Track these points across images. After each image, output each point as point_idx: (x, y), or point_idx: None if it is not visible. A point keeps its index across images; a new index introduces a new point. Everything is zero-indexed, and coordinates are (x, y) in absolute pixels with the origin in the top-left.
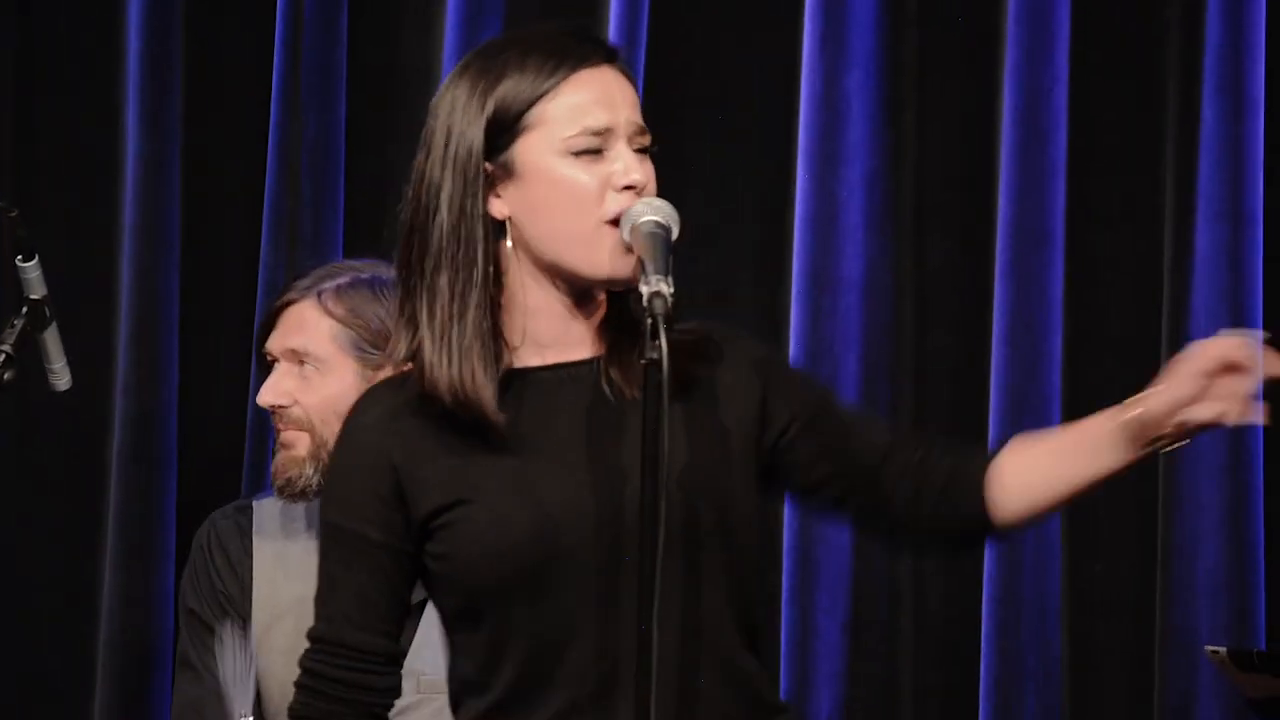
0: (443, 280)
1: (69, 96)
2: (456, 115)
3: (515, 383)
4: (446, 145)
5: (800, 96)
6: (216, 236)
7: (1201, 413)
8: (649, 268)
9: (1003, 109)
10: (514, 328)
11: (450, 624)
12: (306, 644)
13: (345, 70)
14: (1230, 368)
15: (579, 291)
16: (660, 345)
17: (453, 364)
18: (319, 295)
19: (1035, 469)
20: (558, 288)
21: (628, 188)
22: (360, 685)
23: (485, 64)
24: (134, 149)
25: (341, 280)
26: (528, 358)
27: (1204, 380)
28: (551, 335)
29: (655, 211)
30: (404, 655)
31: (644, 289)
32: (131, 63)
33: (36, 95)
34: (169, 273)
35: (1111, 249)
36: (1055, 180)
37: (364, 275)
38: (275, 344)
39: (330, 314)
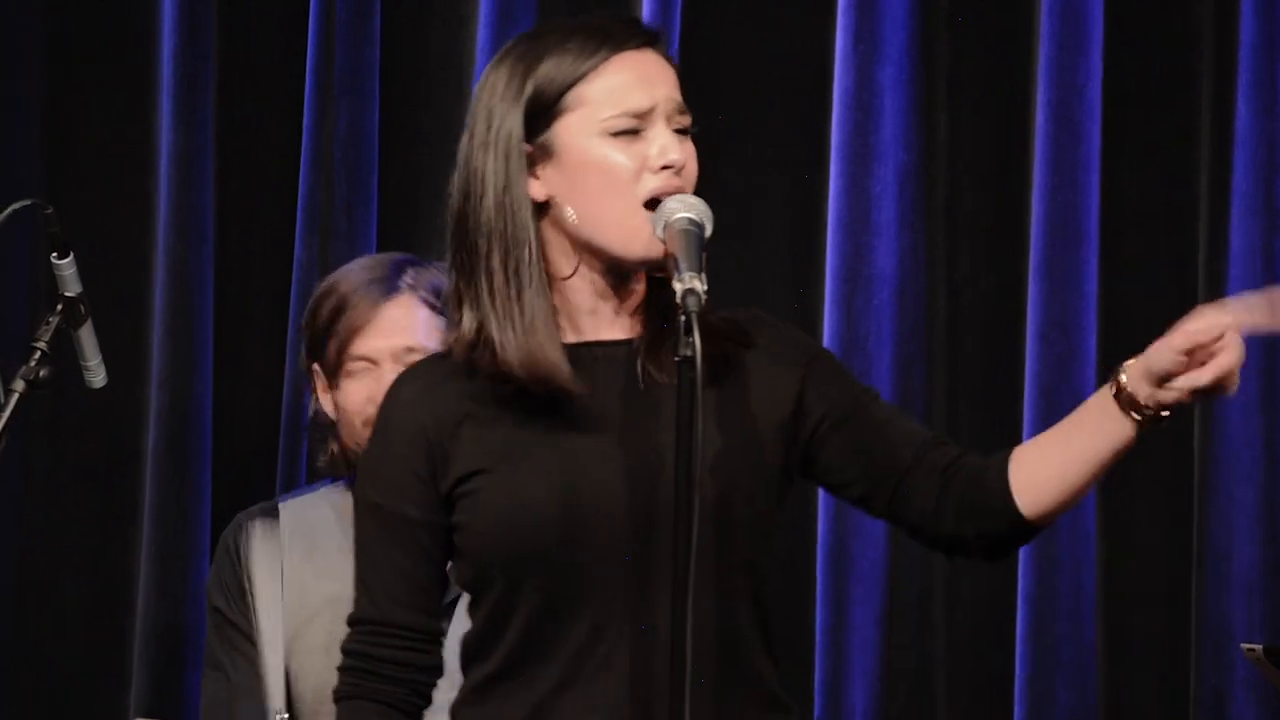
0: (495, 260)
1: (102, 93)
2: (497, 98)
3: None
4: (488, 128)
5: (833, 93)
6: (250, 232)
7: (1192, 380)
8: (682, 265)
9: (1036, 105)
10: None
11: (467, 591)
12: (345, 630)
13: (378, 66)
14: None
15: (617, 272)
16: (694, 342)
17: (521, 340)
18: (415, 289)
19: (1048, 460)
20: (594, 268)
21: (665, 168)
22: (405, 663)
23: (527, 47)
24: (168, 145)
25: (419, 270)
26: (563, 334)
27: (1189, 352)
28: (588, 314)
29: (689, 209)
30: (444, 636)
31: (677, 286)
32: (165, 59)
33: (70, 92)
34: (203, 268)
35: (1145, 246)
36: (1089, 177)
37: (425, 262)
38: (380, 344)
39: (431, 307)
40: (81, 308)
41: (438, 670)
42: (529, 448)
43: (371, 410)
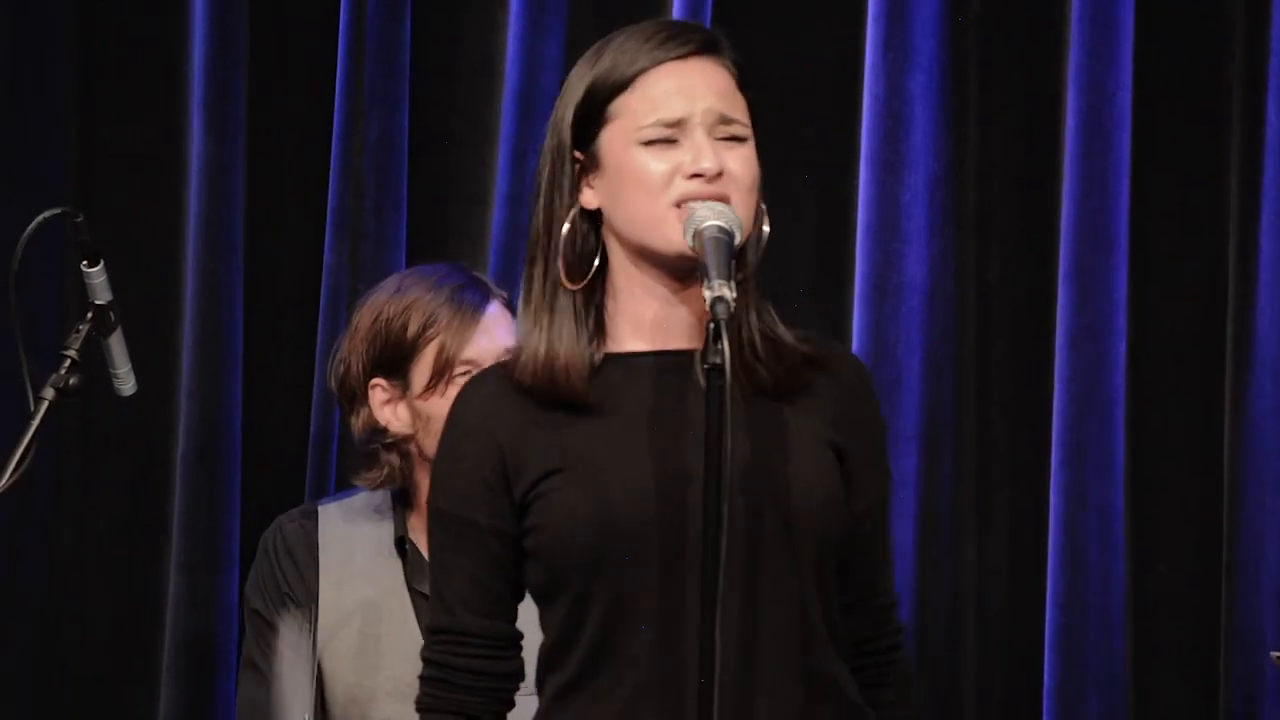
0: (537, 270)
1: (132, 101)
2: (560, 106)
3: (613, 367)
4: (550, 137)
5: (863, 100)
6: (280, 239)
7: None
8: (711, 272)
9: (1066, 111)
10: (617, 313)
11: (538, 601)
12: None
13: (409, 71)
14: None
15: (675, 276)
16: (723, 349)
17: (543, 349)
18: (501, 294)
19: None
20: (653, 274)
21: (696, 175)
22: (482, 671)
23: (591, 56)
24: (198, 152)
25: (486, 278)
26: (629, 343)
27: None
28: (653, 321)
29: (718, 216)
30: (521, 640)
31: (706, 294)
32: (195, 66)
33: (100, 99)
34: (232, 276)
35: (1175, 251)
36: (1119, 183)
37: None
38: (488, 347)
39: (510, 308)
40: (111, 316)
41: (519, 675)
42: (601, 451)
43: None
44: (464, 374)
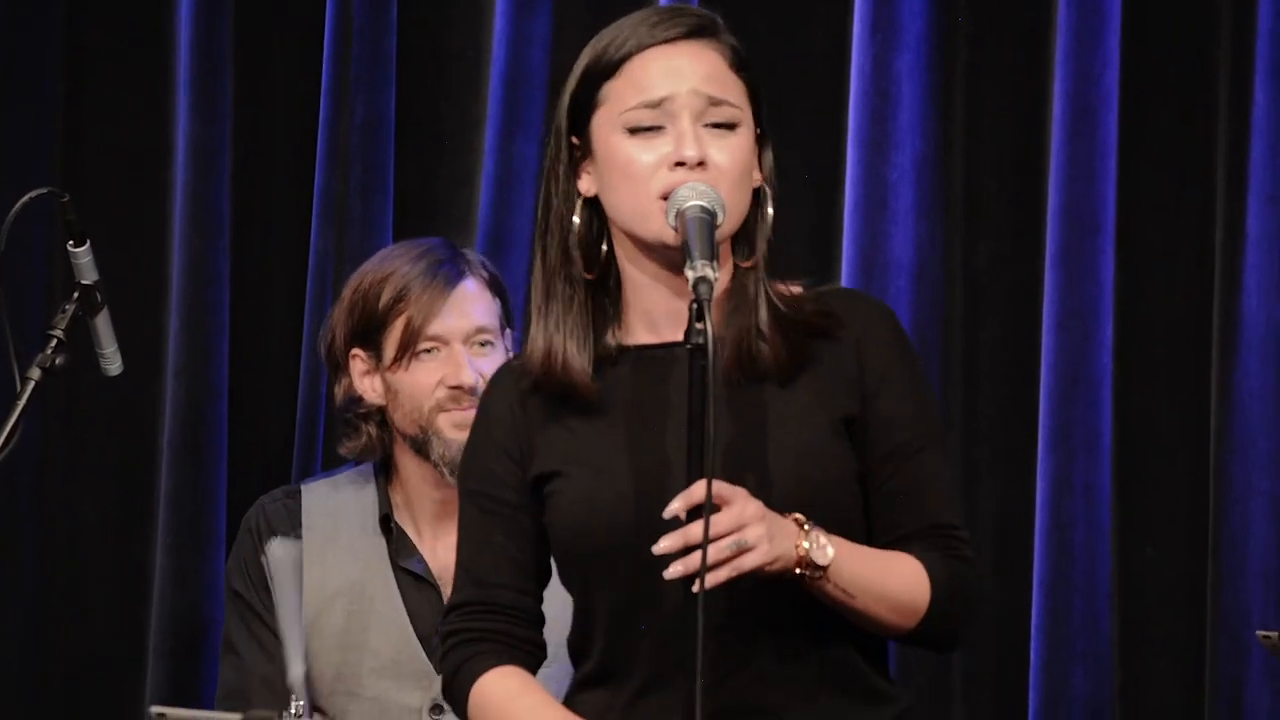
0: (543, 261)
1: (119, 82)
2: (563, 92)
3: (624, 359)
4: (553, 122)
5: (850, 80)
6: (266, 221)
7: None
8: (694, 252)
9: (1053, 94)
10: (628, 304)
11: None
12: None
13: (395, 56)
14: None
15: (677, 269)
16: (706, 329)
17: (547, 341)
18: (482, 272)
19: None
20: (657, 262)
21: (679, 164)
22: (513, 635)
23: (592, 41)
24: (184, 134)
25: (476, 256)
26: (640, 334)
27: None
28: (664, 312)
29: (699, 196)
30: (544, 621)
31: (689, 274)
32: (182, 48)
33: (86, 81)
34: (219, 257)
35: (1162, 234)
36: (1106, 164)
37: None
38: (454, 324)
39: (495, 291)
40: (98, 295)
41: (542, 650)
42: (601, 451)
43: (443, 392)
44: (429, 350)
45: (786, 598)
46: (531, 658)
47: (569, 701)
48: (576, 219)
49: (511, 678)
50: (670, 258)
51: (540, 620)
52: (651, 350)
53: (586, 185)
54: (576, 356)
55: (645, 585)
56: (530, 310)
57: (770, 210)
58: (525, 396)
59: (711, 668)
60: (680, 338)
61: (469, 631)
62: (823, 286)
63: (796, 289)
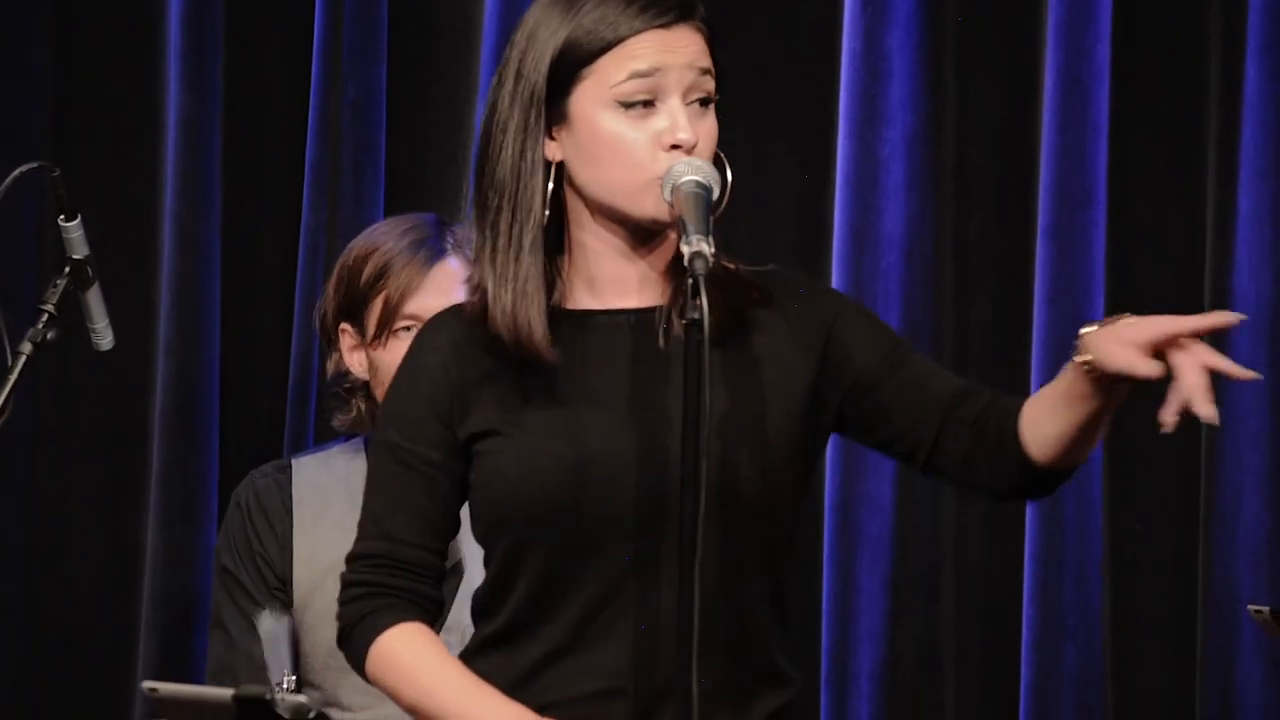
0: (503, 220)
1: (110, 57)
2: (529, 54)
3: (567, 323)
4: (516, 82)
5: (841, 56)
6: (258, 197)
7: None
8: (690, 227)
9: (1044, 68)
10: (573, 268)
11: (480, 544)
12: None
13: (386, 30)
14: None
15: (638, 234)
16: (701, 305)
17: (510, 303)
18: (459, 249)
19: (1053, 420)
20: (612, 230)
21: (675, 147)
22: (418, 592)
23: (564, 6)
24: (175, 109)
25: (456, 230)
26: (584, 299)
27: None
28: (610, 278)
29: (696, 171)
30: (446, 577)
31: (685, 249)
32: (173, 23)
33: (77, 55)
34: (210, 233)
35: (1153, 209)
36: (1097, 140)
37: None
38: (432, 303)
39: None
40: (89, 270)
41: (440, 606)
42: (540, 413)
43: None
44: (406, 328)
45: (713, 572)
46: (432, 616)
47: (471, 656)
48: (551, 184)
49: (416, 635)
50: (638, 229)
51: (444, 576)
52: (593, 315)
53: (552, 150)
54: (539, 322)
55: (578, 550)
56: (483, 267)
57: (729, 174)
58: (460, 347)
59: (634, 642)
60: (623, 304)
61: (374, 585)
62: (759, 267)
63: (733, 266)
